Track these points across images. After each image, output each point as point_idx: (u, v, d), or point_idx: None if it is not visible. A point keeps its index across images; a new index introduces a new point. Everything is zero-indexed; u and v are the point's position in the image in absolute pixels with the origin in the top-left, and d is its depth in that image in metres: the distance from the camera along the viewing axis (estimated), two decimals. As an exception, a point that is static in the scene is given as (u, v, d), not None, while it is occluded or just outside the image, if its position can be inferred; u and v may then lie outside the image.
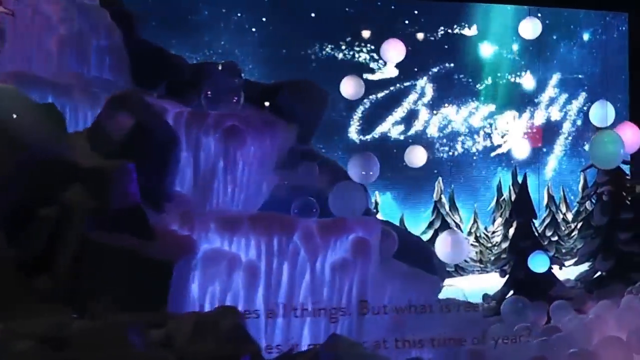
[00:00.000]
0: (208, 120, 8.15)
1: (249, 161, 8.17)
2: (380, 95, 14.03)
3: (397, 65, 12.29)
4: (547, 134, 15.10)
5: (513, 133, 15.15)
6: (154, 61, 10.25)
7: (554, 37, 15.46)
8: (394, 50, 9.20)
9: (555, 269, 12.93)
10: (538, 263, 9.95)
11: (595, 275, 13.04)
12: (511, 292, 12.03)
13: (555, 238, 15.72)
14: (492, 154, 15.10)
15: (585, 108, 15.13)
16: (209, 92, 8.61)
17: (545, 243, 14.64)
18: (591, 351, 8.60)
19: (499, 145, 14.84)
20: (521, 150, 13.58)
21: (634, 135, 7.39)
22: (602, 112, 7.98)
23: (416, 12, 14.37)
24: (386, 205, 14.09)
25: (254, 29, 13.83)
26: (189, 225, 7.20)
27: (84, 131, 7.75)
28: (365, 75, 13.34)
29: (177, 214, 7.29)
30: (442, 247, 7.92)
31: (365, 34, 13.80)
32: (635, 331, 8.52)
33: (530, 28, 8.60)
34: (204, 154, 8.09)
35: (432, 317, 10.16)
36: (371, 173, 8.22)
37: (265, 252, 7.24)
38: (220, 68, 11.17)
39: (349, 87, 10.54)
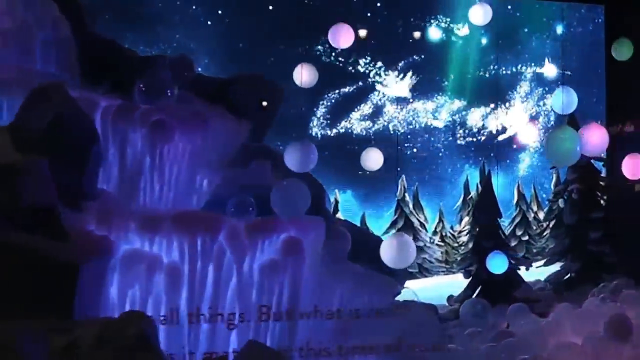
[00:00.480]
0: (135, 115, 7.85)
1: (179, 158, 7.87)
2: (343, 90, 13.76)
3: (359, 58, 12.02)
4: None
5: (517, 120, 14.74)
6: (104, 55, 9.99)
7: (525, 30, 15.19)
8: (342, 35, 8.80)
9: (529, 269, 12.75)
10: (496, 264, 9.67)
11: (567, 277, 12.81)
12: (475, 293, 11.82)
13: (526, 237, 15.45)
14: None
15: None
16: (141, 86, 8.32)
17: (515, 243, 14.41)
18: (544, 357, 8.36)
19: (469, 141, 14.58)
20: (528, 136, 13.14)
21: (600, 137, 7.07)
22: (565, 99, 7.64)
23: (379, 4, 14.06)
24: (346, 204, 13.81)
25: (209, 22, 13.57)
26: (107, 225, 6.91)
27: (7, 126, 7.49)
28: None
29: (96, 213, 7.00)
30: (387, 251, 7.53)
31: (324, 26, 13.46)
32: (591, 337, 8.28)
33: (481, 14, 8.22)
34: (130, 149, 7.80)
35: (385, 321, 9.94)
36: (309, 159, 7.78)
37: (188, 254, 6.96)
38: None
39: (302, 75, 10.02)
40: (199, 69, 13.64)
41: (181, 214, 7.08)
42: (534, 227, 15.66)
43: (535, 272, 13.59)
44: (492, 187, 11.90)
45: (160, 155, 7.68)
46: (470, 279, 12.04)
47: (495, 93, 15.05)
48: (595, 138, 6.96)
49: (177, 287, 6.98)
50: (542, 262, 13.83)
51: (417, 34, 14.56)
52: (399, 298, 10.60)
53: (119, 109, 7.90)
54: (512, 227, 15.38)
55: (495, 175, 12.31)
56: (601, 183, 12.58)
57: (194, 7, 13.55)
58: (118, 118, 7.79)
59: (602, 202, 12.44)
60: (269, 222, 7.27)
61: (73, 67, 9.53)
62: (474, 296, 11.62)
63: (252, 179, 10.85)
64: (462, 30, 14.78)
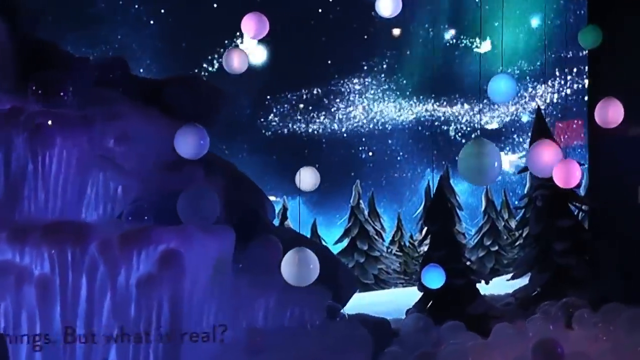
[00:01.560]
0: (20, 119, 7.68)
1: (63, 164, 7.65)
2: (293, 91, 13.48)
3: (311, 59, 11.73)
4: (490, 130, 14.39)
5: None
6: (40, 58, 9.95)
7: (495, 25, 14.67)
8: (254, 25, 8.33)
9: (489, 283, 12.30)
10: (431, 278, 9.25)
11: (535, 291, 12.32)
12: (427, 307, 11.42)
13: (496, 248, 14.93)
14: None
15: (533, 103, 14.42)
16: (34, 87, 8.18)
17: (483, 253, 13.92)
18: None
19: (430, 143, 14.13)
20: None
21: (551, 156, 6.56)
22: (500, 86, 7.19)
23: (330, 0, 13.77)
24: (296, 211, 13.47)
25: (152, 22, 13.43)
26: (-24, 235, 6.75)
27: None
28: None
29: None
30: (287, 267, 7.09)
31: (273, 24, 13.17)
32: (516, 362, 7.88)
33: (389, 4, 7.68)
34: (15, 155, 7.63)
35: (310, 336, 9.64)
36: (201, 143, 7.34)
37: (59, 266, 6.75)
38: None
39: (232, 61, 9.44)
40: (141, 70, 13.54)
41: (52, 224, 6.88)
42: (505, 237, 15.14)
43: (507, 285, 13.12)
44: (444, 193, 11.46)
45: (43, 162, 7.48)
46: (422, 293, 11.64)
47: (461, 92, 14.60)
48: (545, 157, 6.44)
49: (47, 302, 6.79)
50: (509, 275, 13.35)
51: (376, 32, 14.21)
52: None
53: (7, 113, 7.76)
54: (479, 237, 14.90)
55: (457, 179, 11.94)
56: (573, 189, 12.09)
57: (136, 7, 13.42)
58: (3, 122, 7.65)
59: (571, 209, 11.90)
60: (143, 232, 7.02)
61: (8, 70, 9.49)
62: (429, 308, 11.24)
63: (182, 184, 10.66)
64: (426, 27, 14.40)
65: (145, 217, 7.95)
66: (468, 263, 14.42)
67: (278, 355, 8.58)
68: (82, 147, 7.76)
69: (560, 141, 13.69)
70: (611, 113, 7.40)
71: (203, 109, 11.90)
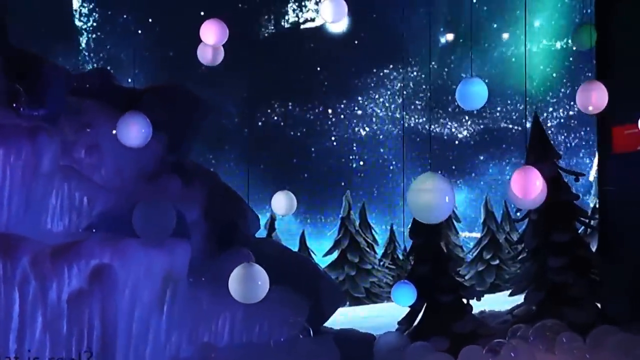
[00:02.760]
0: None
1: (8, 176, 7.79)
2: (282, 101, 13.45)
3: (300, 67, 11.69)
4: (487, 138, 14.04)
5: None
6: (26, 68, 10.28)
7: (495, 26, 14.34)
8: (212, 33, 8.26)
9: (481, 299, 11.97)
10: (400, 296, 9.06)
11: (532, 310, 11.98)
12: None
13: (497, 262, 14.50)
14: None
15: (532, 111, 13.96)
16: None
17: (482, 268, 13.54)
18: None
19: (424, 152, 13.86)
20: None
21: (527, 190, 6.28)
22: (469, 91, 7.00)
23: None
24: (284, 222, 13.42)
25: (140, 31, 13.63)
26: None
27: None
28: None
29: None
30: (234, 284, 6.98)
31: (260, 32, 13.24)
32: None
33: (330, 10, 7.38)
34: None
35: (272, 353, 9.60)
36: (142, 131, 7.32)
37: (-12, 279, 6.86)
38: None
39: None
40: (129, 80, 13.75)
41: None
42: (506, 251, 14.70)
43: (510, 301, 12.78)
44: None
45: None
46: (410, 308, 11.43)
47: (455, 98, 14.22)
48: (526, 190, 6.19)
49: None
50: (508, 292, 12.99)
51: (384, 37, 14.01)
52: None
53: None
54: (478, 250, 14.50)
55: (462, 190, 11.69)
56: (574, 202, 11.69)
57: (124, 16, 13.63)
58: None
59: (569, 223, 11.49)
60: (74, 246, 7.08)
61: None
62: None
63: (157, 194, 10.79)
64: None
65: (113, 229, 8.12)
66: (466, 277, 14.18)
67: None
68: (27, 159, 7.88)
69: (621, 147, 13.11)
70: (594, 97, 6.88)
71: (181, 117, 12.05)
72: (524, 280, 12.11)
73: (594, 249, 15.89)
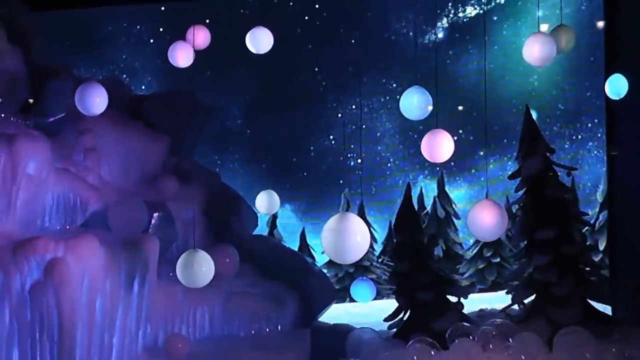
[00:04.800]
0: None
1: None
2: (281, 101, 14.20)
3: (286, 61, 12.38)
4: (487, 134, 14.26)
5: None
6: (40, 80, 11.81)
7: (495, 19, 14.51)
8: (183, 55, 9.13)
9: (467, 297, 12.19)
10: (359, 293, 9.73)
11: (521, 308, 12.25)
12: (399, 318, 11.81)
13: (497, 259, 14.79)
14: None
15: (536, 107, 14.09)
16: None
17: (483, 265, 13.85)
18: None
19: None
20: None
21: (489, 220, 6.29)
22: (413, 99, 7.53)
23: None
24: (285, 220, 14.29)
25: (152, 40, 14.78)
26: None
27: None
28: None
29: None
30: (179, 269, 7.31)
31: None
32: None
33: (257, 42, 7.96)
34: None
35: (242, 346, 10.57)
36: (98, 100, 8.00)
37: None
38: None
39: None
40: (142, 87, 15.04)
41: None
42: (508, 248, 14.93)
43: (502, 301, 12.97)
44: (411, 200, 11.62)
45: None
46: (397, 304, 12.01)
47: (459, 93, 14.61)
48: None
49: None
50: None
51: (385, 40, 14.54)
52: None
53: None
54: (477, 248, 14.82)
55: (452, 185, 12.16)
56: (565, 195, 11.82)
57: (138, 27, 14.89)
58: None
59: (555, 219, 11.65)
60: (32, 242, 8.23)
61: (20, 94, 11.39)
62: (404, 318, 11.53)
63: (154, 196, 12.09)
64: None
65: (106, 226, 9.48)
66: (465, 275, 14.27)
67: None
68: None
69: None
70: (537, 49, 7.06)
71: (182, 121, 13.20)
72: (514, 278, 12.46)
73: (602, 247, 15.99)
